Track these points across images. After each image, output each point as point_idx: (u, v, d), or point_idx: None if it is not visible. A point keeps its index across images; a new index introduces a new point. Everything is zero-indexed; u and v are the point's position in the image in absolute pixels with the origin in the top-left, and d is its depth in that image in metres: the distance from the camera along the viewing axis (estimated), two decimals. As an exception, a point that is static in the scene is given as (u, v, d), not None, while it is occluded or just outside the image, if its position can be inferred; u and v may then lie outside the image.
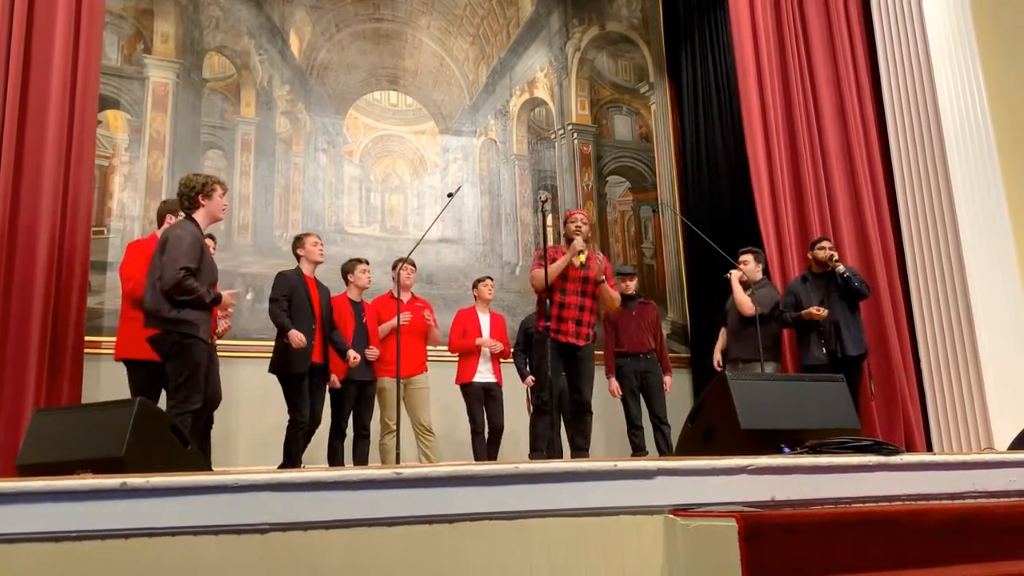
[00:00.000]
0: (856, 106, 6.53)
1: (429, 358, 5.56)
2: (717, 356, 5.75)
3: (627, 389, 5.66)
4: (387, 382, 5.19)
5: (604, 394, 5.49)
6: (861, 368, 5.32)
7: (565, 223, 4.72)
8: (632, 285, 5.85)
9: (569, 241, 4.62)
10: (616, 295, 4.77)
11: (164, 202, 4.59)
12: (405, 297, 5.44)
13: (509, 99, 7.69)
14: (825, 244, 5.43)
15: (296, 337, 4.55)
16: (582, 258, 4.52)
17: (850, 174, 6.42)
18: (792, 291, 5.51)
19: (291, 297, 4.69)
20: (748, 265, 5.52)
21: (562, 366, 4.54)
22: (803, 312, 5.25)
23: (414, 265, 5.56)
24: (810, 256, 5.50)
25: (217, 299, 3.91)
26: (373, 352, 5.12)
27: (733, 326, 5.52)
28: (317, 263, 4.92)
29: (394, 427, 4.90)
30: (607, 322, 5.83)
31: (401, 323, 5.04)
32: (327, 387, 4.90)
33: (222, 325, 4.76)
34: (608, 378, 5.72)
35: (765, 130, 6.37)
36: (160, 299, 3.74)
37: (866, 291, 5.36)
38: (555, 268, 4.50)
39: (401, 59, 7.34)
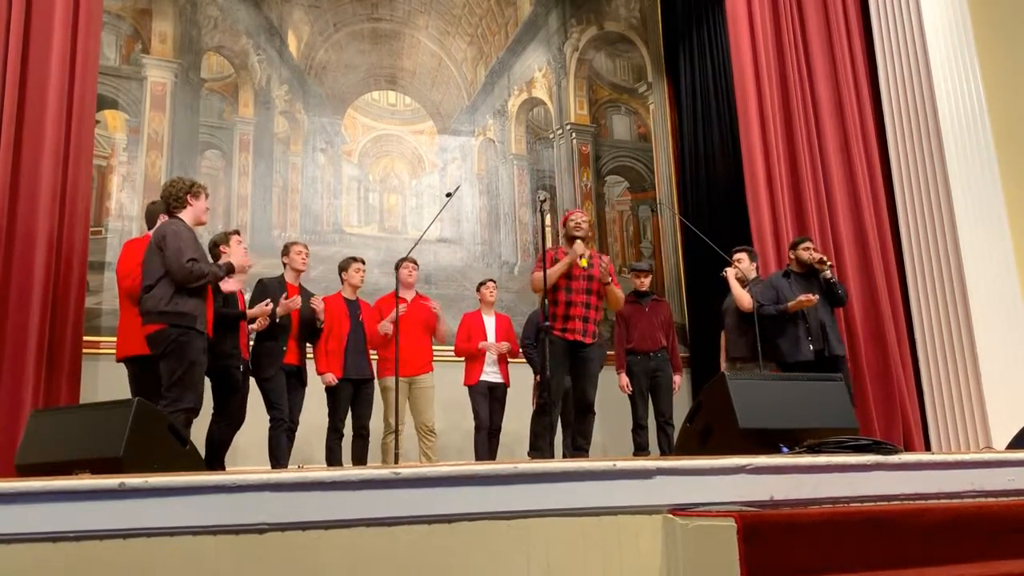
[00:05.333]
0: (854, 104, 6.53)
1: (434, 358, 5.53)
2: (725, 365, 5.60)
3: (635, 388, 5.63)
4: (390, 381, 5.14)
5: (607, 391, 5.47)
6: (843, 369, 5.27)
7: (564, 223, 4.72)
8: (647, 282, 5.82)
9: (570, 241, 4.63)
10: (621, 295, 4.81)
11: (154, 203, 4.48)
12: (409, 295, 5.44)
13: (507, 99, 7.69)
14: (810, 245, 5.38)
15: (281, 306, 4.68)
16: (584, 262, 4.56)
17: (848, 172, 6.41)
18: (774, 286, 5.39)
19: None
20: (743, 263, 5.52)
21: (567, 366, 4.55)
22: (792, 303, 5.10)
23: (416, 263, 5.55)
24: (792, 255, 5.44)
25: (230, 268, 3.94)
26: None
27: (730, 325, 5.50)
28: (299, 271, 5.00)
29: (398, 427, 4.90)
30: (619, 318, 5.80)
31: (399, 314, 4.92)
32: (305, 390, 4.93)
33: (259, 322, 4.77)
34: (618, 373, 5.70)
35: (762, 129, 6.35)
36: (158, 294, 3.75)
37: (844, 301, 5.39)
38: (556, 270, 4.52)
39: (399, 59, 7.34)
